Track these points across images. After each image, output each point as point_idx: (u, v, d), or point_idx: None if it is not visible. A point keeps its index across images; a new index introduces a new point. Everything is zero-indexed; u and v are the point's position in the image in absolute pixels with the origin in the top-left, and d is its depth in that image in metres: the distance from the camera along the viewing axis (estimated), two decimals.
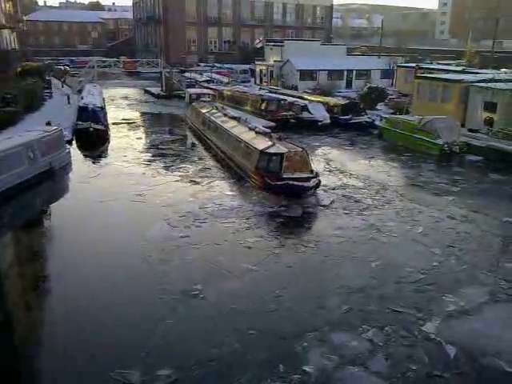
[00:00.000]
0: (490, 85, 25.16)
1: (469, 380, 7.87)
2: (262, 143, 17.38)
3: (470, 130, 24.75)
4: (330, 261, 12.04)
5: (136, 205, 15.58)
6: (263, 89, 41.44)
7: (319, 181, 16.31)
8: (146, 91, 47.54)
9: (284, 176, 15.85)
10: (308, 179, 15.92)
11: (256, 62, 52.43)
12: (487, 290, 10.61)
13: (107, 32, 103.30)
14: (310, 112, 28.95)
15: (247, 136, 18.94)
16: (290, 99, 31.02)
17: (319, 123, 28.41)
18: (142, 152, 23.31)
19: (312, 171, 16.31)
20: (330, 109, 29.95)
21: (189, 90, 33.18)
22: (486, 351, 8.48)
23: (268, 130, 19.24)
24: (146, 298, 10.19)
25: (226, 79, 49.27)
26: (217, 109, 25.72)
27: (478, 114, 25.19)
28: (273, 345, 8.60)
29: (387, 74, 46.23)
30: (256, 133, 18.91)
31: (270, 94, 33.92)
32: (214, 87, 39.53)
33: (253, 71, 53.21)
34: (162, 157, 22.17)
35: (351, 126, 28.88)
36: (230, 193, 16.91)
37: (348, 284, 10.71)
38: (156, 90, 45.90)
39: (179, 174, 19.23)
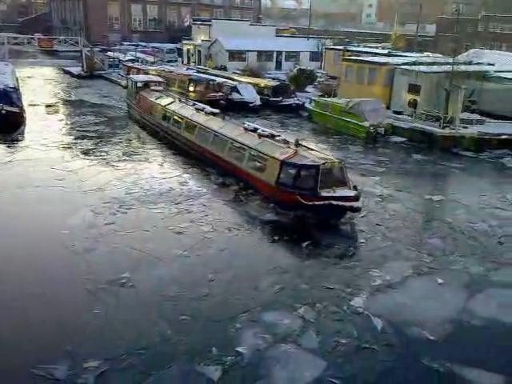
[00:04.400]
0: (413, 68, 26.10)
1: (396, 350, 8.19)
2: (278, 151, 14.08)
3: (395, 112, 25.64)
4: (263, 243, 12.08)
5: (56, 191, 14.72)
6: (191, 69, 40.60)
7: (362, 200, 13.43)
8: (66, 71, 44.90)
9: (323, 194, 12.78)
10: (354, 198, 12.92)
11: (183, 42, 51.28)
12: (411, 264, 11.09)
13: (18, 5, 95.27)
14: (239, 93, 28.73)
15: (251, 140, 15.44)
16: (219, 80, 30.58)
17: (250, 105, 28.30)
18: (63, 135, 22.11)
19: (355, 187, 13.39)
20: (260, 90, 29.92)
21: (133, 76, 28.67)
22: (411, 322, 8.89)
23: (274, 132, 15.94)
24: (70, 288, 9.69)
25: (151, 59, 47.69)
26: (181, 101, 21.97)
27: (403, 96, 26.14)
28: (205, 329, 8.51)
29: (316, 56, 46.85)
30: (260, 136, 15.46)
31: (199, 75, 33.25)
32: (138, 67, 38.13)
33: (180, 51, 51.99)
34: (84, 140, 21.11)
35: (282, 107, 29.03)
36: (158, 176, 16.38)
37: (280, 264, 10.79)
38: (76, 69, 43.43)
39: (103, 157, 18.42)
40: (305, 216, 13.07)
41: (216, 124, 17.78)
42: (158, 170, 17.13)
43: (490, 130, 22.62)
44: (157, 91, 24.28)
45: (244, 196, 14.79)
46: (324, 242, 12.00)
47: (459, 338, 8.65)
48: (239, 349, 7.94)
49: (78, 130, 22.97)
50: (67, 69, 45.09)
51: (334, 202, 12.58)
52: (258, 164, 14.77)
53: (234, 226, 12.74)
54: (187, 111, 20.15)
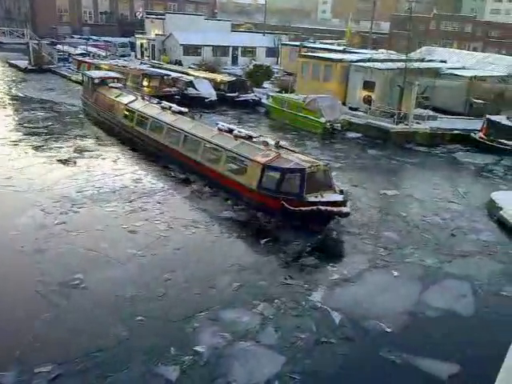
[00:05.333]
0: (368, 64, 26.55)
1: (354, 343, 8.28)
2: (259, 153, 13.45)
3: (351, 108, 26.00)
4: (221, 240, 11.90)
5: (2, 191, 14.08)
6: (145, 63, 39.88)
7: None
8: (11, 64, 42.93)
9: (309, 199, 12.29)
10: (342, 203, 12.44)
11: (136, 36, 50.28)
12: (367, 258, 11.26)
13: None
14: (195, 88, 28.40)
15: (227, 142, 14.68)
16: (174, 74, 30.13)
17: (206, 100, 28.00)
18: (9, 131, 21.11)
19: (342, 191, 12.88)
20: (216, 85, 29.67)
21: (89, 72, 27.07)
22: (368, 315, 9.01)
23: (252, 133, 15.05)
24: (19, 291, 9.31)
25: (103, 53, 46.44)
26: (144, 99, 20.90)
27: (358, 92, 26.55)
28: (163, 329, 8.33)
29: (272, 51, 46.99)
30: (236, 137, 14.70)
31: (152, 69, 32.69)
32: (90, 61, 37.09)
33: (133, 45, 50.95)
34: (34, 136, 20.27)
35: (238, 103, 28.89)
36: (111, 173, 15.92)
37: (238, 262, 10.68)
38: (23, 63, 41.51)
39: (53, 154, 17.72)
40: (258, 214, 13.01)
41: (186, 124, 16.95)
42: (111, 168, 16.63)
43: (442, 125, 23.37)
44: (116, 88, 23.09)
45: (201, 193, 14.58)
46: (282, 239, 11.96)
47: (415, 329, 8.84)
48: (197, 348, 7.83)
49: (26, 127, 22.00)
50: (13, 62, 43.14)
51: (322, 208, 12.05)
52: (237, 167, 14.09)
53: (191, 223, 12.51)
54: (152, 110, 19.17)
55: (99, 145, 19.56)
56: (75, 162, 16.88)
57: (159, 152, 17.79)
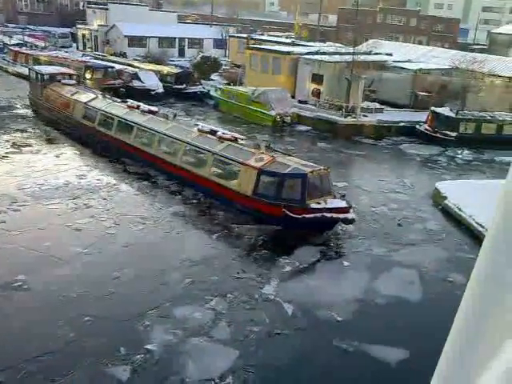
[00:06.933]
0: (316, 57, 26.74)
1: (307, 334, 8.36)
2: (252, 157, 12.65)
3: (300, 102, 26.10)
4: (171, 236, 11.66)
5: None
6: (87, 55, 38.50)
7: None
8: None
9: (313, 206, 11.74)
10: (346, 209, 11.95)
11: (78, 26, 48.42)
12: (319, 249, 11.37)
13: None
14: (141, 80, 27.73)
15: (211, 144, 13.76)
16: (118, 67, 29.27)
17: (152, 92, 27.35)
18: None
19: (343, 196, 12.29)
20: (162, 77, 29.10)
21: (38, 67, 24.63)
22: (320, 305, 9.11)
23: (237, 135, 14.30)
24: None
25: (42, 43, 44.42)
26: (105, 97, 19.42)
27: (307, 85, 26.70)
28: (112, 329, 8.09)
29: (220, 43, 46.57)
30: (221, 139, 13.81)
31: (96, 61, 31.59)
32: (27, 52, 35.37)
33: (74, 35, 49.06)
34: None
35: (186, 95, 28.48)
36: (53, 169, 15.28)
37: (190, 257, 10.50)
38: None
39: None
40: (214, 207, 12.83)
41: (160, 125, 15.80)
42: (53, 163, 15.95)
43: (388, 118, 23.95)
44: (70, 85, 21.40)
45: (147, 187, 14.21)
46: (234, 233, 11.89)
47: (365, 316, 9.02)
48: (149, 346, 7.65)
49: None
50: None
51: (328, 215, 11.59)
52: (226, 172, 13.37)
53: (139, 219, 12.18)
54: (118, 109, 17.77)
55: (44, 141, 18.65)
56: (14, 157, 16.06)
57: (128, 154, 16.54)
